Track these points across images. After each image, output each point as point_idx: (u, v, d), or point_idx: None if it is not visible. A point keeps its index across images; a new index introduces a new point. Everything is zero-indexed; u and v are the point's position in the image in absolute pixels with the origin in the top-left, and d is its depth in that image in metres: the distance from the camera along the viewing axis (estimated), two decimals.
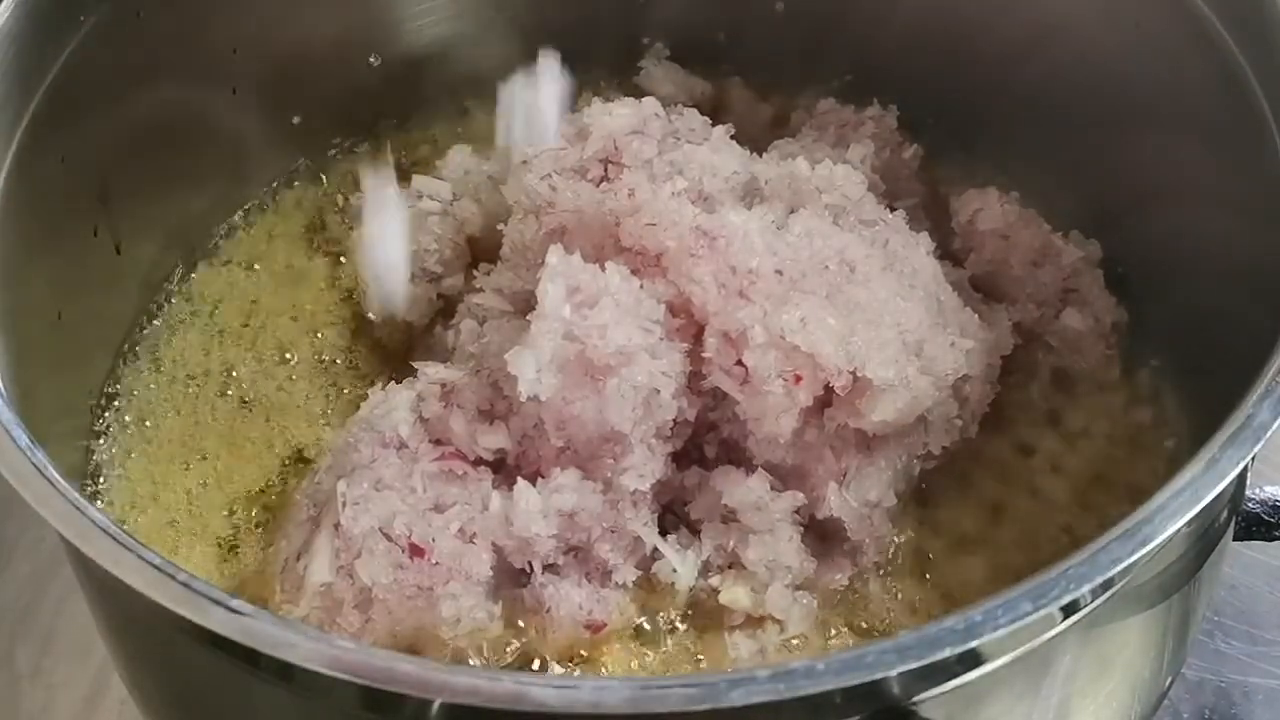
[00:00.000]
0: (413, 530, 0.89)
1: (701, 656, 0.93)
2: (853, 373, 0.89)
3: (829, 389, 0.90)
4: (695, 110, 1.06)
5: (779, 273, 0.91)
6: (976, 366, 0.97)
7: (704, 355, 0.91)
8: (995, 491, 1.00)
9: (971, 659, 0.68)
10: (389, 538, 0.89)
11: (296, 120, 1.19)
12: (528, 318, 0.90)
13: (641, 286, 0.91)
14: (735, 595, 0.93)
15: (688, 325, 0.92)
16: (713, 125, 1.05)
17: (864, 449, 0.95)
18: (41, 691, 1.08)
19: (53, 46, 0.95)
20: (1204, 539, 0.82)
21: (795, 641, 0.93)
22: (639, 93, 1.20)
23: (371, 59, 1.20)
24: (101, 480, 1.02)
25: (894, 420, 0.91)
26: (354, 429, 0.95)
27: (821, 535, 0.95)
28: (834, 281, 0.92)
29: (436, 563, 0.88)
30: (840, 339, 0.89)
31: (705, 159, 0.99)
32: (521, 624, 0.92)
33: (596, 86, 1.25)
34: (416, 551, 0.88)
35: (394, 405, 0.94)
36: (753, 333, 0.89)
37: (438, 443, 0.93)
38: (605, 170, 0.99)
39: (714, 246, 0.91)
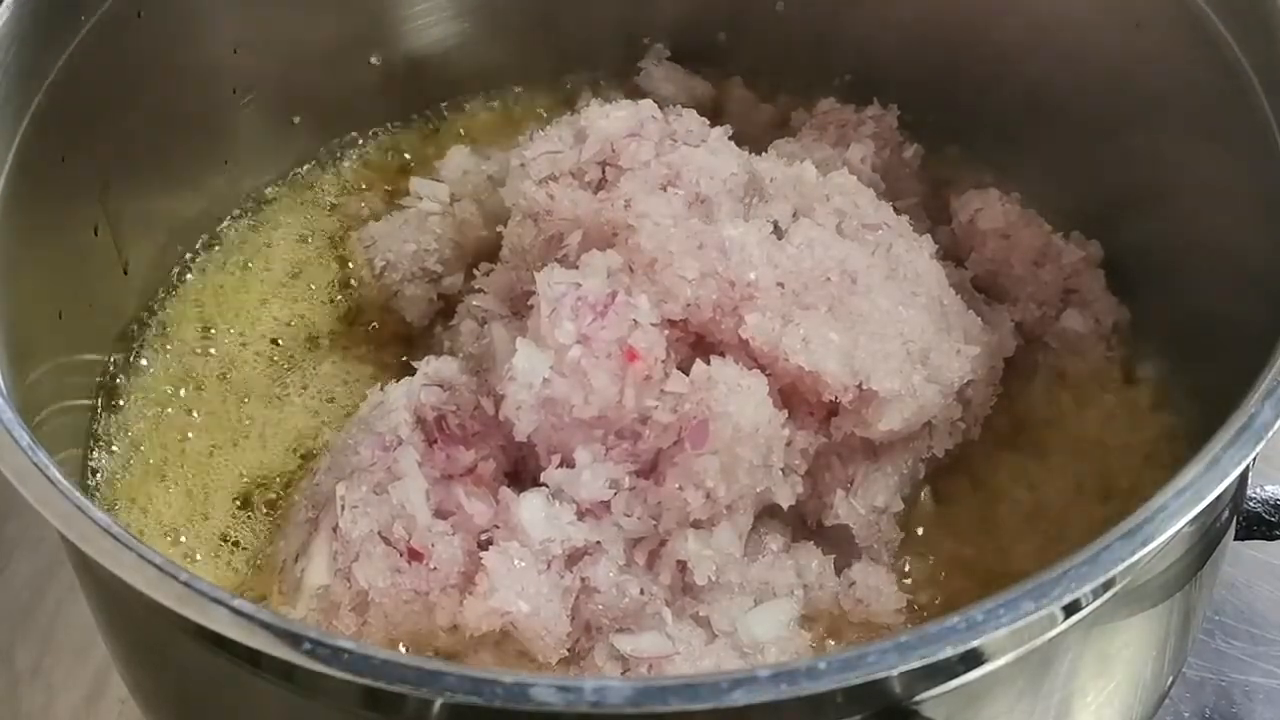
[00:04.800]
0: (411, 534, 0.88)
1: None
2: (858, 386, 0.89)
3: (835, 400, 0.90)
4: (693, 111, 1.05)
5: (780, 285, 0.90)
6: (980, 369, 0.96)
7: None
8: (997, 492, 1.00)
9: (973, 658, 0.68)
10: (387, 541, 0.89)
11: (296, 120, 1.19)
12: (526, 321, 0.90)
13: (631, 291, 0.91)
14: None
15: (685, 336, 0.92)
16: (713, 126, 1.04)
17: (870, 456, 0.94)
18: (41, 691, 1.08)
19: (54, 45, 0.95)
20: (1205, 538, 0.82)
21: None
22: (639, 93, 1.20)
23: (371, 59, 1.20)
24: (102, 479, 1.01)
25: (901, 429, 0.91)
26: (353, 430, 0.95)
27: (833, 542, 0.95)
28: (836, 294, 0.91)
29: (434, 568, 0.88)
30: (844, 354, 0.89)
31: (703, 161, 0.98)
32: None
33: (596, 87, 1.25)
34: (415, 556, 0.88)
35: (392, 405, 0.94)
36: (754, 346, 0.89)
37: (436, 444, 0.93)
38: (603, 173, 0.99)
39: (711, 260, 0.91)
